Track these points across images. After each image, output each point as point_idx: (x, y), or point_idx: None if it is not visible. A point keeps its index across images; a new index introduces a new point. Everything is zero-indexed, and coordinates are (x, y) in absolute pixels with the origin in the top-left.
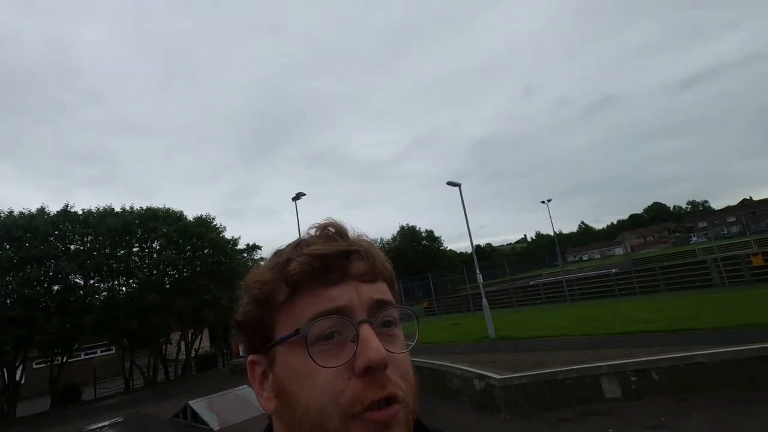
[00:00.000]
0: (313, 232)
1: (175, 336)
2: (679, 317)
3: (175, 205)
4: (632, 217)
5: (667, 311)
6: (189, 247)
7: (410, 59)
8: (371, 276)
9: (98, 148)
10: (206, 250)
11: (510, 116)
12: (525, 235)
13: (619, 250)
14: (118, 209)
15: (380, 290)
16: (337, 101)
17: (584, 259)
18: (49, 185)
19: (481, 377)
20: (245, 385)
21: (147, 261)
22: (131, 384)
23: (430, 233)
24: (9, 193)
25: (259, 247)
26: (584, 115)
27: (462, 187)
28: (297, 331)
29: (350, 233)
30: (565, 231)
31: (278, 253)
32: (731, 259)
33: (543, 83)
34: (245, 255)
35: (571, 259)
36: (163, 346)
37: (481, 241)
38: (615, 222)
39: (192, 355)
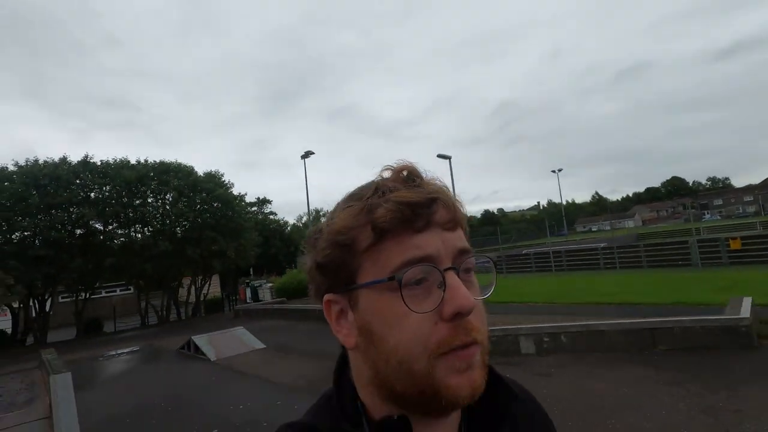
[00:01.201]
0: (388, 174)
1: (186, 281)
2: (636, 292)
3: (192, 154)
4: (648, 190)
5: (633, 286)
6: (198, 200)
7: (434, 14)
8: (453, 224)
9: (118, 93)
10: (215, 204)
11: (535, 80)
12: (538, 203)
13: (630, 223)
14: (133, 161)
15: (461, 238)
16: (358, 55)
17: (593, 229)
18: (71, 127)
19: None
20: (241, 327)
21: (161, 211)
22: (146, 321)
23: None
24: (34, 133)
25: (269, 201)
26: (612, 83)
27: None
28: (392, 278)
29: (424, 176)
30: (579, 200)
31: (356, 196)
32: (712, 241)
33: (572, 47)
34: (255, 209)
35: (580, 229)
36: (176, 290)
37: (494, 206)
38: (630, 194)
39: (201, 299)
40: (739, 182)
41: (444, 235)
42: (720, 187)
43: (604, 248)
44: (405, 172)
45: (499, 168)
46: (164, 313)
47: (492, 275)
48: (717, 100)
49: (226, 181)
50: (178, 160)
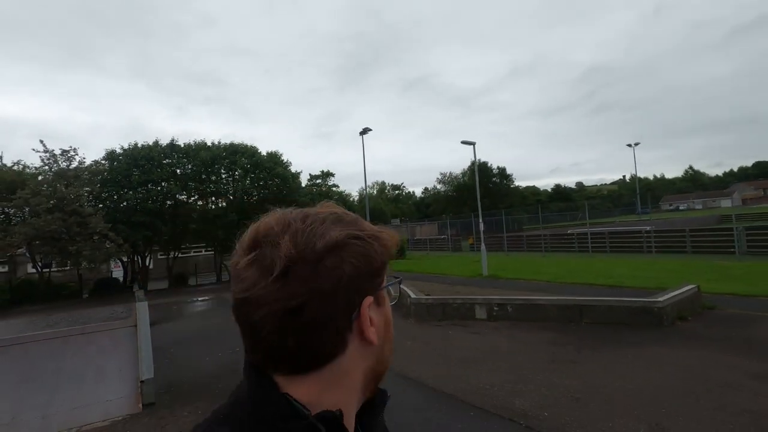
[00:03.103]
0: (348, 216)
1: None
2: (642, 277)
3: (271, 126)
4: (758, 165)
5: (647, 270)
6: (261, 177)
7: None
8: None
9: (211, 70)
10: (276, 180)
11: (630, 40)
12: (624, 176)
13: (726, 203)
14: (209, 143)
15: None
16: (434, 22)
17: (681, 208)
18: (172, 103)
19: (408, 297)
20: None
21: (232, 186)
22: (221, 278)
23: (502, 170)
24: (141, 109)
25: (332, 174)
26: (725, 40)
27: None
28: (398, 279)
29: None
30: (671, 175)
31: (380, 230)
32: (762, 229)
33: (678, 1)
34: (320, 181)
35: (666, 207)
36: None
37: (573, 180)
38: (735, 169)
39: None
40: None
41: None
42: None
43: (648, 231)
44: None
45: (582, 138)
46: None
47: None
48: None
49: (285, 160)
50: (244, 142)
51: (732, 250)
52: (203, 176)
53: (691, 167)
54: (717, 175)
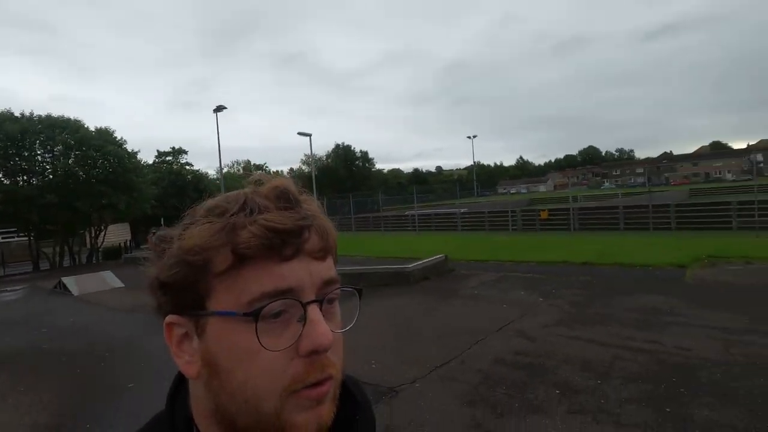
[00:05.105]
0: (258, 187)
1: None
2: (432, 250)
3: (116, 91)
4: (567, 157)
5: (441, 245)
6: (90, 156)
7: None
8: (323, 253)
9: (32, 11)
10: (109, 159)
11: (485, 42)
12: (476, 162)
13: (542, 188)
14: (18, 114)
15: (329, 267)
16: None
17: (512, 192)
18: None
19: None
20: (109, 270)
21: (50, 165)
22: (39, 266)
23: (364, 154)
24: None
25: (185, 152)
26: (554, 53)
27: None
28: (247, 314)
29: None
30: (507, 163)
31: (218, 210)
32: (531, 212)
33: (524, 14)
34: (170, 158)
35: (501, 191)
36: (70, 238)
37: (434, 164)
38: (553, 160)
39: (98, 247)
40: (643, 154)
41: (312, 265)
42: (624, 159)
43: (463, 213)
44: (279, 189)
45: (445, 126)
46: (57, 259)
47: (356, 305)
48: (638, 78)
49: (118, 138)
50: (65, 115)
51: (510, 227)
52: (10, 152)
53: (521, 157)
54: (540, 165)
